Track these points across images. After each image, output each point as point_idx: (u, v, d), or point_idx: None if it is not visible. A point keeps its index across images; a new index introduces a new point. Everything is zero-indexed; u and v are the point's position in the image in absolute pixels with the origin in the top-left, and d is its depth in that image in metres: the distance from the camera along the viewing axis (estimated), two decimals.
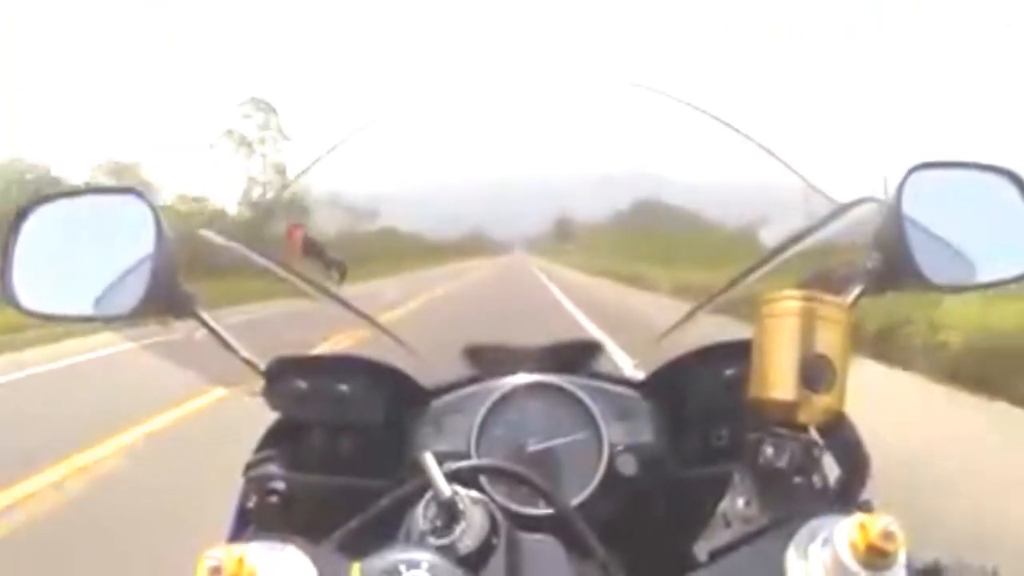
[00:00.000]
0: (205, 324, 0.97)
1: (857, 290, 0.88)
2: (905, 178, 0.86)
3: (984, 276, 0.92)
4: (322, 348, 1.24)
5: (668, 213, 1.76)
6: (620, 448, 1.04)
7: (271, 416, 1.10)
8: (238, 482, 1.03)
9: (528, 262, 2.27)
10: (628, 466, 1.03)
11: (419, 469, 0.73)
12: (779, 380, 0.71)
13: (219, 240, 1.06)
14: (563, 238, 1.99)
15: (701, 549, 0.78)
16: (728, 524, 0.78)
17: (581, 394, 1.08)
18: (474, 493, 0.73)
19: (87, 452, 5.18)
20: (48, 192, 1.00)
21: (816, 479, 0.77)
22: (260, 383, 1.05)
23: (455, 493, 0.70)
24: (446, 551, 0.66)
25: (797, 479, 0.74)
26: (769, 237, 1.07)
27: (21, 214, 0.94)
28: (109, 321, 0.96)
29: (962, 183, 0.94)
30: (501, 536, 0.69)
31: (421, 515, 0.70)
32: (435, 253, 2.03)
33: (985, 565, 0.61)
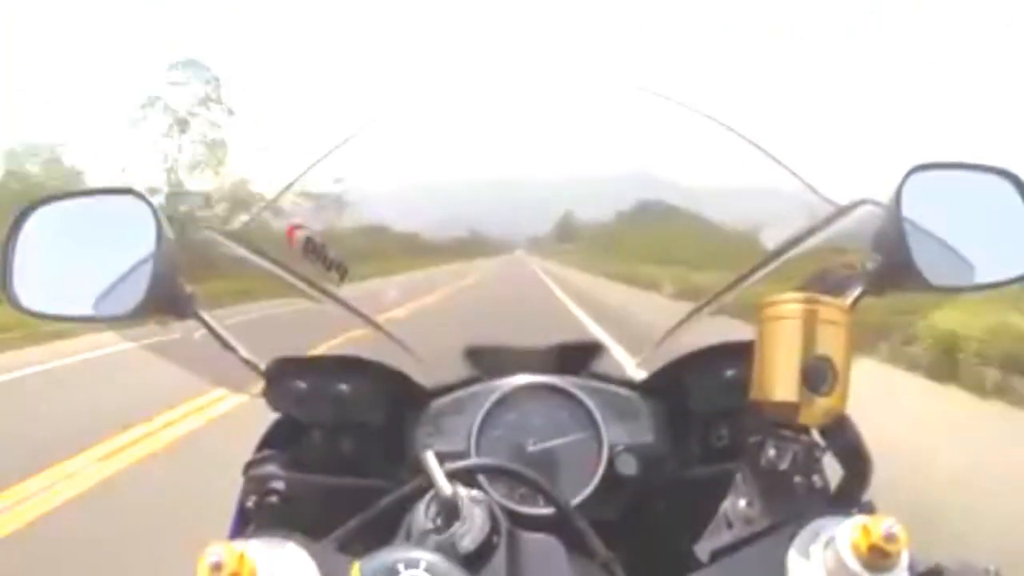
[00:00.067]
0: (206, 324, 0.97)
1: (857, 292, 0.88)
2: (904, 179, 0.86)
3: (983, 277, 0.92)
4: (322, 349, 1.24)
5: (670, 215, 1.76)
6: (620, 448, 1.05)
7: (271, 416, 1.11)
8: (238, 482, 1.03)
9: (529, 262, 2.26)
10: (628, 466, 1.03)
11: (419, 468, 0.73)
12: (781, 382, 0.71)
13: (219, 240, 1.06)
14: (565, 239, 1.99)
15: (702, 549, 0.78)
16: (729, 524, 0.78)
17: (581, 395, 1.08)
18: (475, 492, 0.73)
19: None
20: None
21: (817, 480, 0.77)
22: (260, 383, 1.05)
23: (456, 492, 0.70)
24: (447, 550, 0.66)
25: (799, 480, 0.74)
26: (770, 239, 1.07)
27: (22, 215, 0.94)
28: (110, 321, 0.96)
29: (961, 184, 0.94)
30: (502, 535, 0.69)
31: (422, 514, 0.71)
32: (436, 253, 2.03)
33: (988, 567, 0.61)
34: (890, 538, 0.57)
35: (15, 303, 0.92)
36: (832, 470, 0.81)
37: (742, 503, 0.77)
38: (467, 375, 1.16)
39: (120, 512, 4.09)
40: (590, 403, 1.07)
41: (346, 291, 1.09)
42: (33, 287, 0.93)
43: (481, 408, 1.07)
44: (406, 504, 0.75)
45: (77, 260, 0.97)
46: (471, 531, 0.68)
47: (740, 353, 0.80)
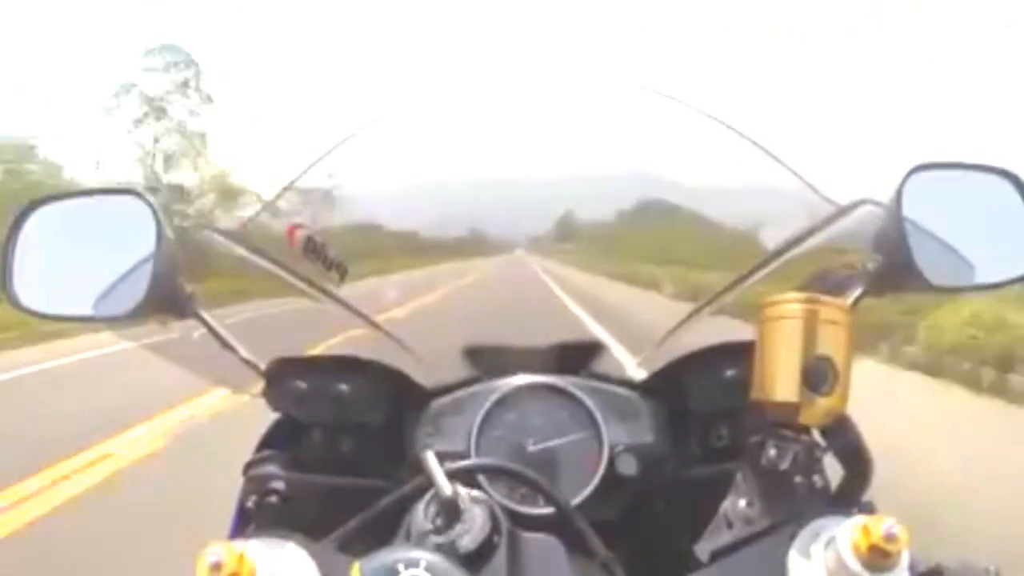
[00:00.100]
0: (206, 324, 0.97)
1: (858, 292, 0.88)
2: (905, 179, 0.86)
3: (984, 277, 0.92)
4: (322, 348, 1.24)
5: (670, 214, 1.76)
6: (620, 448, 1.05)
7: (271, 416, 1.11)
8: (238, 482, 1.03)
9: (529, 261, 2.26)
10: (629, 466, 1.03)
11: (419, 468, 0.73)
12: (781, 382, 0.71)
13: (220, 240, 1.06)
14: (565, 238, 1.99)
15: (703, 549, 0.78)
16: (730, 525, 0.78)
17: (581, 395, 1.08)
18: (475, 492, 0.73)
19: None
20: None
21: (818, 480, 0.77)
22: (260, 383, 1.05)
23: (456, 492, 0.70)
24: (447, 550, 0.66)
25: (799, 480, 0.74)
26: (770, 239, 1.07)
27: (22, 214, 0.94)
28: (110, 321, 0.96)
29: (962, 184, 0.94)
30: (502, 535, 0.69)
31: (422, 514, 0.71)
32: (436, 252, 2.03)
33: (988, 567, 0.61)
34: (890, 538, 0.57)
35: (15, 303, 0.92)
36: (832, 470, 0.81)
37: (742, 503, 0.77)
38: (467, 375, 1.16)
39: None
40: (590, 403, 1.07)
41: (346, 291, 1.09)
42: (33, 287, 0.93)
43: (481, 408, 1.07)
44: (406, 504, 0.75)
45: (77, 260, 0.97)
46: (471, 531, 0.68)
47: (740, 353, 0.80)
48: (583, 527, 0.80)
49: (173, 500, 4.04)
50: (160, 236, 0.90)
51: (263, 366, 1.04)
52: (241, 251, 1.06)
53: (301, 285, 1.08)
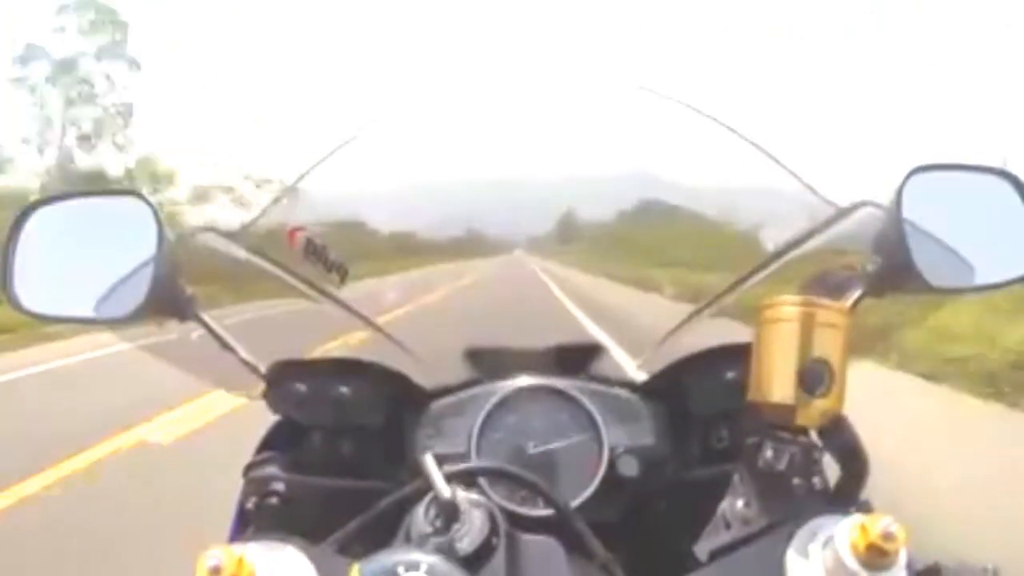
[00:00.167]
0: (206, 326, 0.97)
1: (857, 293, 0.88)
2: (904, 181, 0.86)
3: (983, 279, 0.92)
4: (322, 350, 1.24)
5: (670, 215, 1.76)
6: (620, 450, 1.05)
7: (272, 418, 1.11)
8: (238, 483, 1.03)
9: (529, 262, 2.26)
10: (629, 468, 1.03)
11: (419, 471, 0.73)
12: (778, 384, 0.71)
13: (220, 242, 1.06)
14: (564, 239, 1.99)
15: (701, 550, 0.78)
16: (728, 525, 0.78)
17: (581, 397, 1.08)
18: (474, 495, 0.73)
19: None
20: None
21: (815, 480, 0.77)
22: (260, 385, 1.05)
23: (455, 494, 0.70)
24: (446, 551, 0.66)
25: (796, 481, 0.74)
26: (770, 241, 1.07)
27: (23, 216, 0.94)
28: (110, 323, 0.96)
29: (961, 186, 0.94)
30: (501, 537, 0.70)
31: (422, 516, 0.71)
32: (436, 253, 2.03)
33: (986, 566, 0.61)
34: (888, 537, 0.57)
35: (16, 304, 0.92)
36: (830, 470, 0.81)
37: (740, 504, 0.77)
38: (467, 377, 1.16)
39: None
40: (590, 405, 1.07)
41: (346, 293, 1.09)
42: (34, 288, 0.93)
43: (481, 410, 1.07)
44: (405, 506, 0.75)
45: (78, 261, 0.97)
46: (470, 533, 0.68)
47: (740, 355, 0.80)
48: (583, 529, 0.80)
49: None
50: (161, 238, 0.90)
51: (263, 368, 1.04)
52: (242, 253, 1.06)
53: (302, 287, 1.08)
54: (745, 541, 0.71)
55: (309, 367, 1.11)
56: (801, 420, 0.71)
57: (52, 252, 0.96)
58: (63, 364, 9.36)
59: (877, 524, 0.57)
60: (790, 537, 0.65)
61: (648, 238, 2.22)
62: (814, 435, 0.75)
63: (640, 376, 1.18)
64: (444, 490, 0.70)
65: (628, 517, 1.04)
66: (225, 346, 1.00)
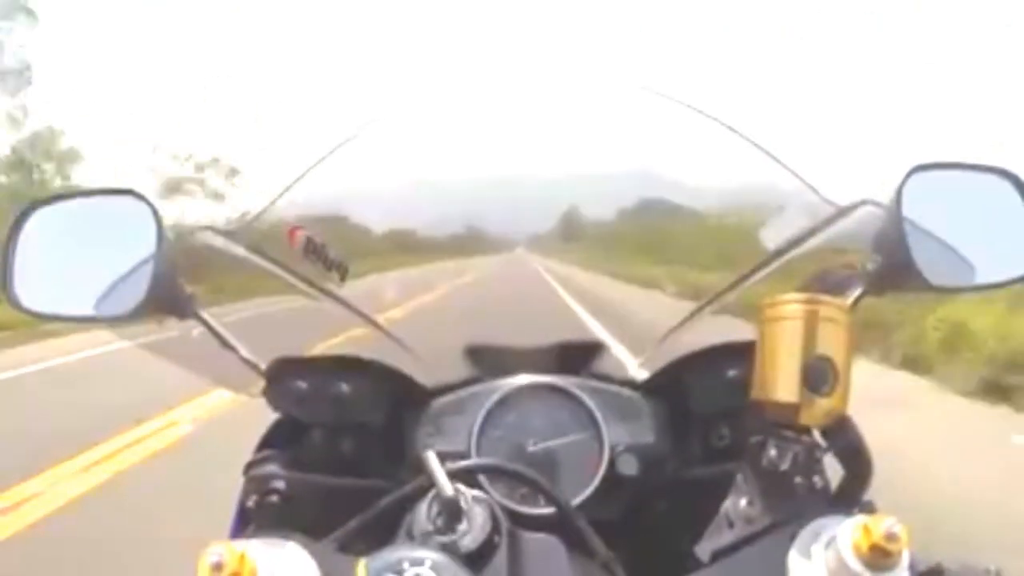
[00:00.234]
0: (206, 325, 0.97)
1: (858, 292, 0.88)
2: (905, 180, 0.86)
3: (984, 278, 0.92)
4: (323, 348, 1.24)
5: (672, 213, 1.76)
6: (621, 448, 1.05)
7: (272, 416, 1.11)
8: (239, 482, 1.03)
9: (530, 260, 2.26)
10: (629, 466, 1.03)
11: (420, 468, 0.73)
12: (781, 382, 0.71)
13: (220, 240, 1.06)
14: (565, 237, 1.99)
15: (703, 549, 0.78)
16: (731, 525, 0.78)
17: (582, 395, 1.08)
18: (476, 492, 0.73)
19: None
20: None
21: (818, 480, 0.77)
22: (260, 383, 1.05)
23: (457, 492, 0.70)
24: (449, 549, 0.66)
25: (799, 480, 0.74)
26: (771, 239, 1.06)
27: (22, 215, 0.95)
28: (110, 322, 0.96)
29: (962, 185, 0.94)
30: (503, 535, 0.70)
31: (423, 514, 0.71)
32: (437, 251, 2.03)
33: (988, 567, 0.61)
34: (891, 537, 0.57)
35: (15, 303, 0.92)
36: (832, 470, 0.81)
37: (743, 503, 0.77)
38: (468, 375, 1.16)
39: None
40: (591, 403, 1.07)
41: (346, 291, 1.09)
42: (33, 287, 0.93)
43: (482, 408, 1.07)
44: (407, 504, 0.75)
45: (77, 260, 0.97)
46: (472, 531, 0.68)
47: (741, 353, 0.80)
48: (584, 527, 0.80)
49: None
50: (160, 236, 0.90)
51: (263, 366, 1.04)
52: (241, 251, 1.06)
53: (301, 285, 1.08)
54: (747, 541, 0.71)
55: (309, 364, 1.11)
56: (805, 419, 0.71)
57: (51, 251, 0.96)
58: (62, 362, 9.37)
59: (880, 525, 0.57)
60: (792, 537, 0.65)
61: (649, 236, 2.22)
62: (817, 435, 0.74)
63: (641, 374, 1.18)
64: (447, 488, 0.70)
65: (629, 516, 1.04)
66: (225, 344, 1.00)
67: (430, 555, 0.62)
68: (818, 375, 0.70)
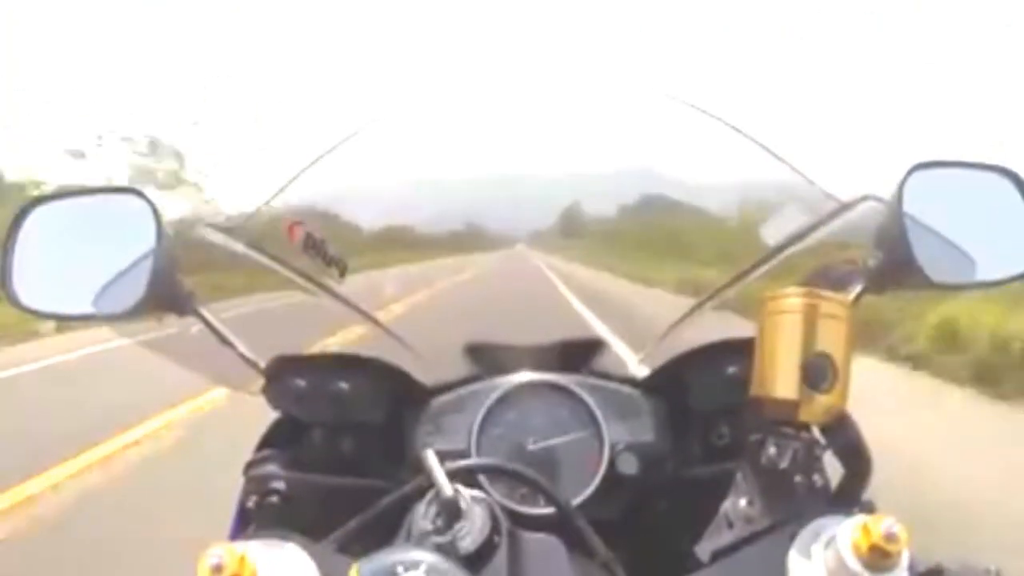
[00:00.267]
0: (206, 322, 0.97)
1: (858, 288, 0.88)
2: (906, 177, 0.86)
3: (984, 275, 0.92)
4: (322, 346, 1.24)
5: (673, 210, 1.76)
6: (621, 447, 1.04)
7: (272, 415, 1.10)
8: (239, 481, 1.03)
9: (530, 257, 2.26)
10: (629, 465, 1.03)
11: (420, 468, 0.73)
12: (781, 378, 0.71)
13: (219, 237, 1.06)
14: (566, 233, 1.99)
15: (703, 549, 0.78)
16: (730, 524, 0.78)
17: (582, 393, 1.08)
18: (476, 492, 0.73)
19: None
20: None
21: (818, 479, 0.77)
22: (260, 381, 1.05)
23: (457, 492, 0.70)
24: (448, 550, 0.66)
25: (799, 479, 0.74)
26: (772, 235, 1.06)
27: (22, 213, 0.95)
28: (109, 319, 0.96)
29: (963, 182, 0.94)
30: (503, 535, 0.69)
31: (423, 514, 0.70)
32: (437, 248, 2.03)
33: (988, 567, 0.61)
34: (891, 538, 0.56)
35: (15, 301, 0.92)
36: (832, 468, 0.80)
37: (743, 502, 0.77)
38: (468, 373, 1.16)
39: None
40: (591, 401, 1.07)
41: (346, 288, 1.08)
42: (33, 285, 0.93)
43: (482, 406, 1.07)
44: (407, 504, 0.75)
45: (77, 258, 0.97)
46: (472, 531, 0.68)
47: (742, 350, 0.80)
48: (584, 527, 0.80)
49: None
50: (159, 233, 0.90)
51: (263, 364, 1.04)
52: (241, 248, 1.06)
53: (300, 282, 1.08)
54: (747, 541, 0.71)
55: (309, 362, 1.11)
56: (804, 416, 0.70)
57: (51, 249, 0.96)
58: (62, 360, 9.39)
59: (880, 525, 0.57)
60: (792, 537, 0.65)
61: (650, 233, 2.22)
62: (817, 433, 0.74)
63: (642, 371, 1.18)
64: (446, 487, 0.70)
65: (629, 515, 1.03)
66: (224, 341, 1.00)
67: (426, 557, 0.62)
68: (818, 372, 0.70)
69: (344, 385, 1.07)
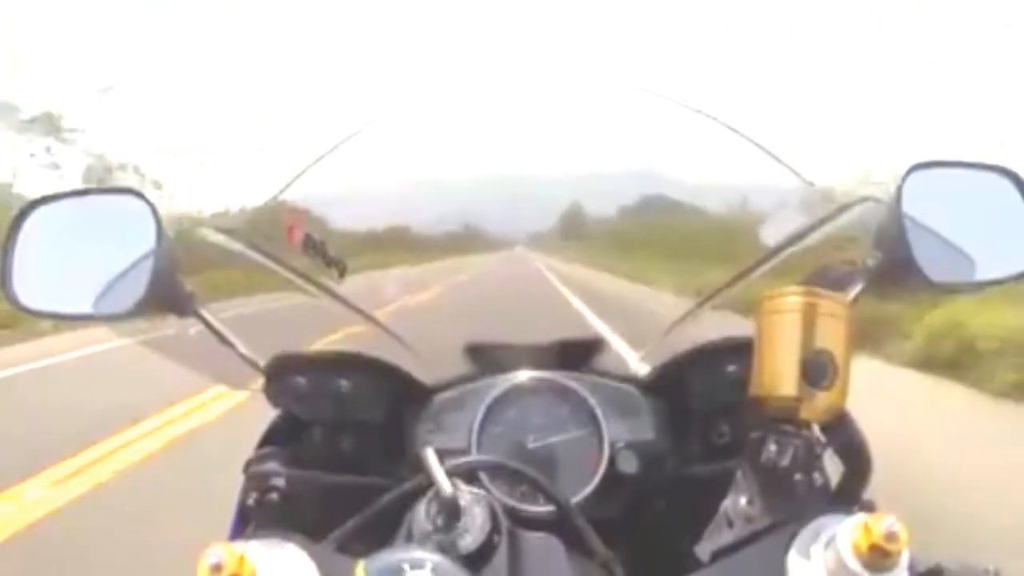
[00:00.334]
0: (206, 322, 0.97)
1: (858, 288, 0.88)
2: (905, 177, 0.86)
3: (983, 275, 0.92)
4: (322, 345, 1.24)
5: (673, 210, 1.76)
6: (621, 445, 1.04)
7: (272, 414, 1.11)
8: (239, 480, 1.03)
9: (529, 258, 2.26)
10: (629, 464, 1.03)
11: (420, 466, 0.73)
12: (781, 377, 0.71)
13: (219, 237, 1.06)
14: (565, 235, 1.99)
15: (703, 549, 0.78)
16: (730, 523, 0.78)
17: (582, 391, 1.08)
18: (476, 490, 0.73)
19: None
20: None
21: (818, 477, 0.77)
22: (260, 380, 1.05)
23: (457, 490, 0.70)
24: (448, 549, 0.66)
25: (799, 477, 0.74)
26: (772, 236, 1.06)
27: (22, 214, 0.95)
28: (109, 320, 0.97)
29: (962, 182, 0.94)
30: (503, 534, 0.69)
31: (423, 513, 0.70)
32: (437, 249, 2.03)
33: (988, 567, 0.61)
34: (891, 537, 0.56)
35: (15, 301, 0.92)
36: (832, 467, 0.80)
37: (743, 501, 0.77)
38: (468, 371, 1.16)
39: None
40: (591, 400, 1.07)
41: (346, 287, 1.09)
42: (33, 286, 0.93)
43: (482, 404, 1.07)
44: (407, 502, 0.75)
45: (77, 258, 0.97)
46: (472, 530, 0.68)
47: (742, 349, 0.80)
48: (583, 526, 0.80)
49: None
50: (159, 234, 0.90)
51: (263, 363, 1.04)
52: (241, 248, 1.06)
53: (300, 282, 1.08)
54: (747, 541, 0.71)
55: (309, 361, 1.11)
56: (805, 414, 0.70)
57: (51, 250, 0.96)
58: (61, 360, 9.38)
59: (880, 524, 0.57)
60: (792, 537, 0.65)
61: (650, 234, 2.22)
62: (817, 431, 0.74)
63: (642, 370, 1.18)
64: (446, 486, 0.70)
65: (629, 514, 1.03)
66: (224, 341, 1.00)
67: (430, 557, 0.62)
68: (817, 369, 0.70)
69: (344, 383, 1.07)
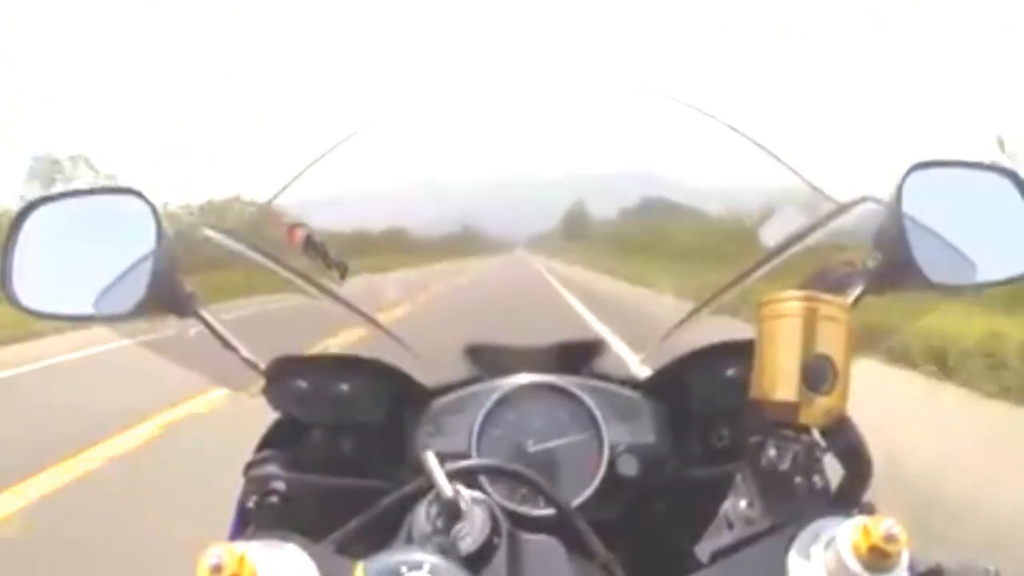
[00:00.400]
0: (206, 323, 0.97)
1: (858, 290, 0.87)
2: (905, 177, 0.86)
3: (984, 276, 0.92)
4: (323, 347, 1.24)
5: (673, 212, 1.76)
6: (621, 449, 1.04)
7: (272, 416, 1.10)
8: (239, 482, 1.03)
9: (529, 260, 2.26)
10: (629, 467, 1.03)
11: (420, 469, 0.73)
12: (781, 381, 0.70)
13: (219, 238, 1.06)
14: (564, 237, 1.99)
15: (703, 550, 0.78)
16: (730, 525, 0.77)
17: (582, 394, 1.08)
18: (476, 493, 0.73)
19: None
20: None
21: (818, 480, 0.77)
22: (260, 382, 1.05)
23: (457, 493, 0.70)
24: (448, 551, 0.66)
25: (799, 480, 0.74)
26: (771, 237, 1.06)
27: (22, 214, 0.95)
28: (110, 320, 0.96)
29: (962, 183, 0.94)
30: (502, 536, 0.69)
31: (423, 515, 0.70)
32: (437, 251, 2.03)
33: (988, 567, 0.61)
34: (890, 538, 0.56)
35: (15, 302, 0.92)
36: (832, 470, 0.80)
37: (742, 504, 0.77)
38: (468, 374, 1.16)
39: None
40: (591, 403, 1.07)
41: (346, 290, 1.09)
42: (33, 286, 0.93)
43: (482, 407, 1.07)
44: (407, 505, 0.75)
45: (77, 259, 0.97)
46: (472, 533, 0.68)
47: (742, 352, 0.80)
48: (583, 528, 0.80)
49: None
50: (160, 234, 0.90)
51: (263, 365, 1.04)
52: (241, 250, 1.06)
53: (301, 284, 1.08)
54: (747, 542, 0.71)
55: (309, 363, 1.11)
56: (804, 418, 0.70)
57: (51, 250, 0.96)
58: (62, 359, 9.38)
59: (879, 526, 0.57)
60: (792, 539, 0.65)
61: (650, 236, 2.23)
62: (817, 435, 0.74)
63: (642, 373, 1.18)
64: (446, 488, 0.70)
65: (628, 516, 1.03)
66: (225, 343, 1.00)
67: (428, 558, 0.62)
68: (818, 374, 0.70)
69: (344, 386, 1.07)
